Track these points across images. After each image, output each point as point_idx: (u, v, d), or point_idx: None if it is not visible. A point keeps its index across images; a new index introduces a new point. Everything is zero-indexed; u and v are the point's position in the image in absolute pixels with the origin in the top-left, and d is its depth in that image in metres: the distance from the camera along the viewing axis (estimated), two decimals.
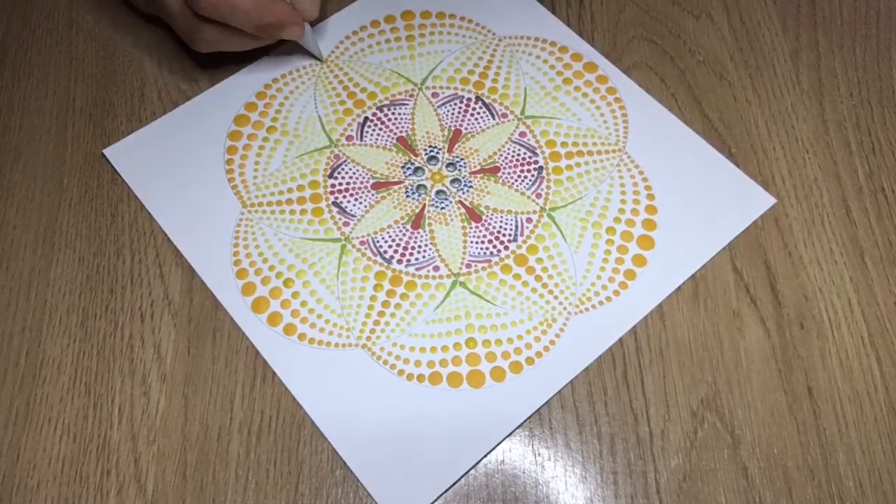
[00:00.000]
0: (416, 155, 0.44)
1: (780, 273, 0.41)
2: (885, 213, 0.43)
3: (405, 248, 0.41)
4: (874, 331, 0.39)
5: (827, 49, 0.48)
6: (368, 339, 0.39)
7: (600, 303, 0.40)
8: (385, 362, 0.39)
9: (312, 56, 0.47)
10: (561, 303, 0.40)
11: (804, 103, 0.46)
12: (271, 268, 0.41)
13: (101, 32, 0.49)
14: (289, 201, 0.43)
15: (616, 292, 0.40)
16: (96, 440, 0.37)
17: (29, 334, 0.40)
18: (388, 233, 0.42)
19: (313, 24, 0.48)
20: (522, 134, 0.45)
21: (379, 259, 0.41)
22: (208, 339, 0.40)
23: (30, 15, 0.50)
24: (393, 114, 0.46)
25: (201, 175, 0.44)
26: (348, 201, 0.43)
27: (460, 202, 0.43)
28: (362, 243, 0.42)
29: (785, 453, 0.37)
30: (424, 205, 0.43)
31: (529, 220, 0.42)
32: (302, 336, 0.39)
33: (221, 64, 0.47)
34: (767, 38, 0.48)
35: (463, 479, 0.36)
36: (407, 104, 0.46)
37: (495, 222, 0.42)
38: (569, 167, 0.44)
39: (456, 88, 0.47)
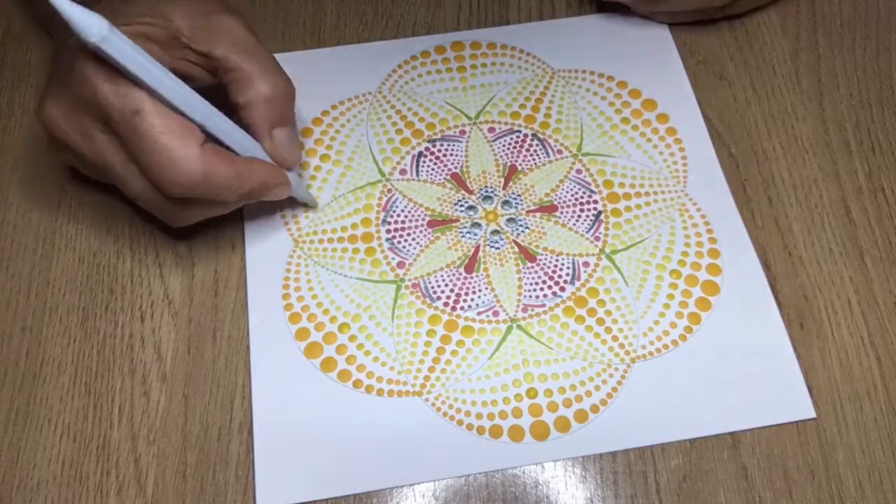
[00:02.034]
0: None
1: (780, 273, 0.41)
2: (885, 213, 0.43)
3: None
4: (874, 331, 0.39)
5: (827, 49, 0.48)
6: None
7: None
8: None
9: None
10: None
11: (804, 103, 0.46)
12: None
13: None
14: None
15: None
16: (96, 440, 0.37)
17: (29, 334, 0.40)
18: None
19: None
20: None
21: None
22: (208, 339, 0.40)
23: (30, 15, 0.50)
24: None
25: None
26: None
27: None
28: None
29: (785, 453, 0.37)
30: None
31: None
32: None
33: None
34: (767, 38, 0.48)
35: (463, 479, 0.36)
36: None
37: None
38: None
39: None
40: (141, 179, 0.37)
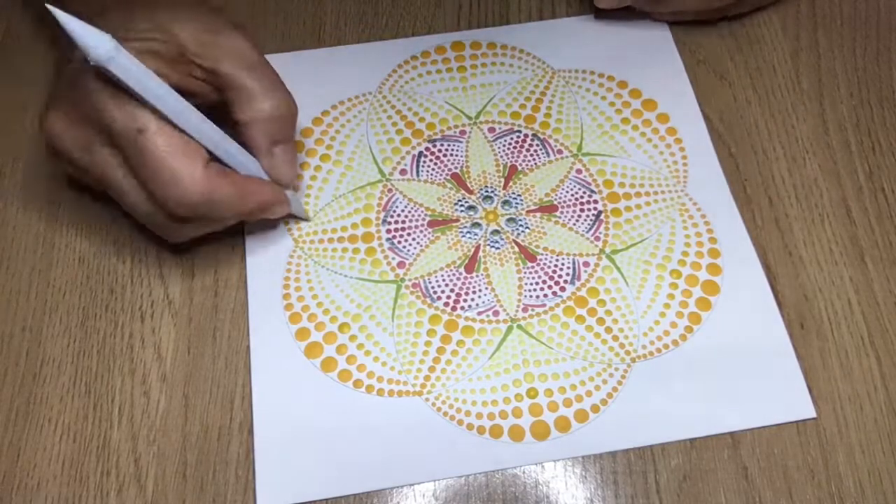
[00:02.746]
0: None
1: (780, 273, 0.41)
2: (885, 213, 0.43)
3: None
4: (874, 331, 0.39)
5: (827, 49, 0.48)
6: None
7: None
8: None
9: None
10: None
11: (804, 103, 0.46)
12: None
13: None
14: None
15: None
16: (96, 440, 0.37)
17: (29, 334, 0.40)
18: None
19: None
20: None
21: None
22: (208, 339, 0.40)
23: (30, 15, 0.50)
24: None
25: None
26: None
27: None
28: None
29: (785, 453, 0.37)
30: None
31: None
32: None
33: None
34: (767, 38, 0.48)
35: (463, 479, 0.36)
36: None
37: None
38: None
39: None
40: (141, 195, 0.37)
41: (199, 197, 0.36)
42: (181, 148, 0.35)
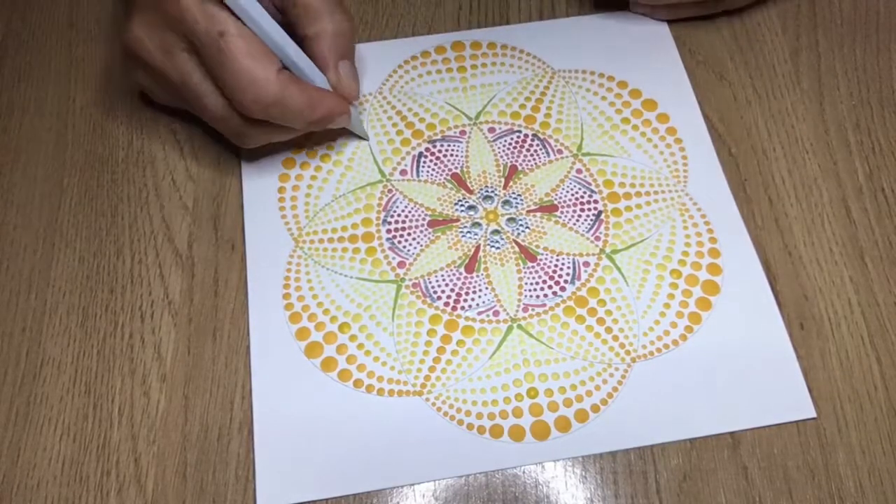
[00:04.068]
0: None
1: (780, 273, 0.41)
2: (885, 213, 0.43)
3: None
4: (874, 331, 0.39)
5: (827, 49, 0.48)
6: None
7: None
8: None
9: (357, 135, 0.45)
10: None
11: (804, 103, 0.46)
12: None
13: (102, 32, 0.49)
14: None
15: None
16: (96, 440, 0.37)
17: (29, 334, 0.40)
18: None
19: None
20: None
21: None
22: (208, 339, 0.40)
23: (30, 15, 0.50)
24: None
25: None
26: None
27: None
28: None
29: (785, 453, 0.37)
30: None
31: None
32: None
33: None
34: (767, 38, 0.48)
35: (463, 479, 0.36)
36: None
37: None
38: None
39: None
40: (217, 97, 0.40)
41: (272, 98, 0.38)
42: (258, 52, 0.38)
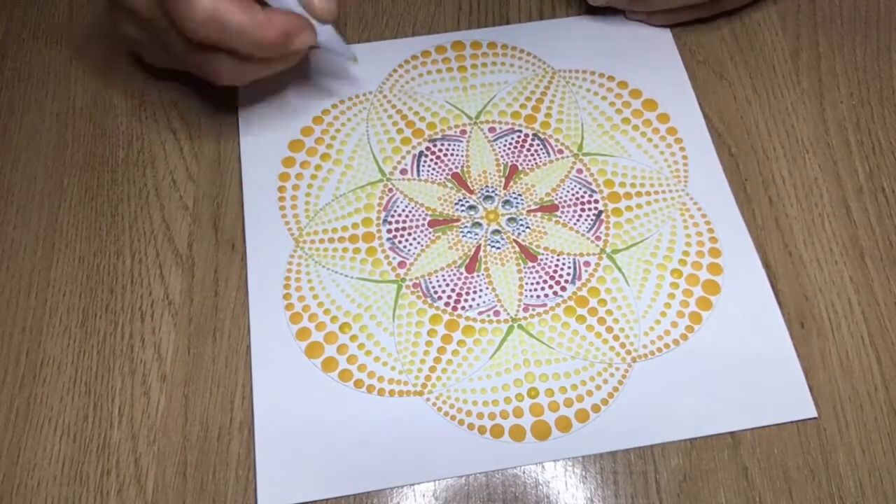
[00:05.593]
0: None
1: (780, 273, 0.41)
2: (885, 213, 0.43)
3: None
4: (874, 331, 0.39)
5: (827, 49, 0.48)
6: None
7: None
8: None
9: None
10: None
11: (804, 103, 0.46)
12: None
13: (102, 32, 0.49)
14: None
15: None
16: (96, 440, 0.37)
17: (29, 334, 0.40)
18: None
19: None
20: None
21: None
22: (208, 339, 0.40)
23: (30, 15, 0.50)
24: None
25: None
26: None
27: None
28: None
29: (785, 453, 0.37)
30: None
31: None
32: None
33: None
34: (767, 38, 0.48)
35: (463, 479, 0.36)
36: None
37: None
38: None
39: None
40: (170, 28, 0.38)
41: (204, 13, 0.37)
42: None
